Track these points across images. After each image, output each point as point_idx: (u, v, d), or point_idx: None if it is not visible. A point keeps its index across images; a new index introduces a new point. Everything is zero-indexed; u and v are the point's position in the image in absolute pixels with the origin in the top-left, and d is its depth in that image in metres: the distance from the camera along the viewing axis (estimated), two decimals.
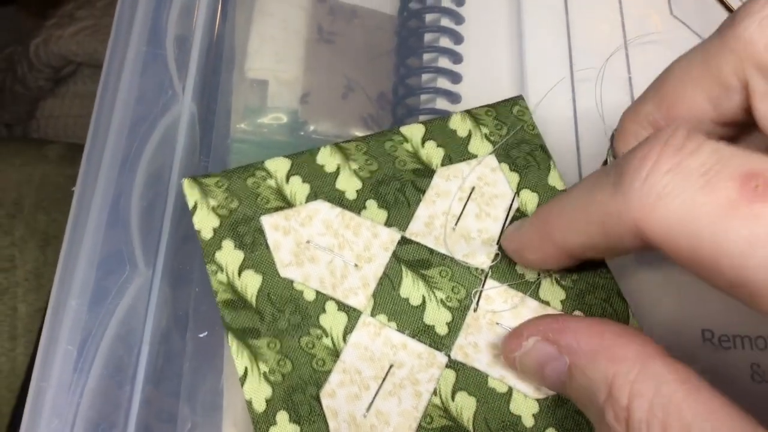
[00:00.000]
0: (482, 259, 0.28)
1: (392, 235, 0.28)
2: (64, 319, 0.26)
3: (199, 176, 0.28)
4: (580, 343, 0.23)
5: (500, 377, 0.27)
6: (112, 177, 0.28)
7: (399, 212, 0.29)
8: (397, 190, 0.29)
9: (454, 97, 0.33)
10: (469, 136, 0.30)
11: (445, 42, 0.34)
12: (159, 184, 0.29)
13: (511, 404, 0.26)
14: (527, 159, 0.30)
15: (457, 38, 0.35)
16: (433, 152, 0.30)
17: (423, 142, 0.30)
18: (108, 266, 0.27)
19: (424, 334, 0.27)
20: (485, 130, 0.30)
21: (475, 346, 0.27)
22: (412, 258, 0.28)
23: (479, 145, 0.30)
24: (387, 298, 0.27)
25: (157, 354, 0.28)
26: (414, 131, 0.30)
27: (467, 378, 0.27)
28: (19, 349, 0.49)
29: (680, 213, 0.20)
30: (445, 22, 0.35)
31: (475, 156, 0.30)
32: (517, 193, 0.29)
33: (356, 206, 0.29)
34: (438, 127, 0.30)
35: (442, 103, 0.33)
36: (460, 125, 0.30)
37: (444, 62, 0.34)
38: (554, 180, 0.30)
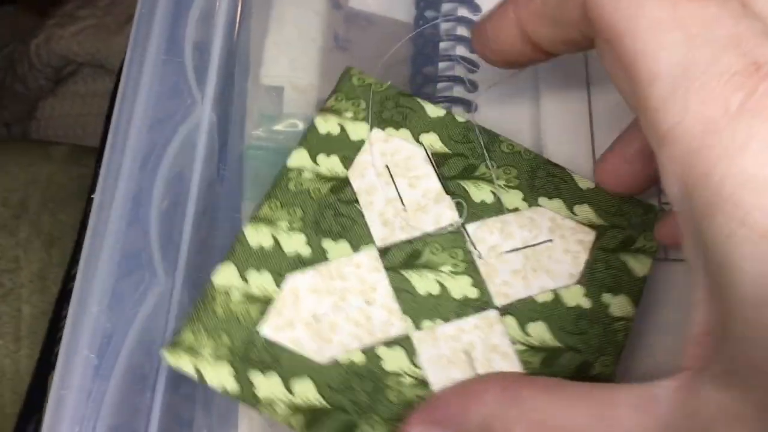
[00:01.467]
0: (450, 214, 0.29)
1: (369, 255, 0.28)
2: (84, 326, 0.26)
3: (169, 346, 0.26)
4: (451, 407, 0.24)
5: (542, 288, 0.28)
6: (132, 184, 0.28)
7: (354, 232, 0.29)
8: (333, 216, 0.29)
9: (469, 106, 0.33)
10: (343, 129, 0.30)
11: (461, 50, 0.35)
12: (179, 191, 0.29)
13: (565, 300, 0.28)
14: (401, 111, 0.30)
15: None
16: (331, 163, 0.30)
17: (315, 159, 0.30)
18: (128, 273, 0.27)
19: (466, 307, 0.28)
20: (348, 114, 0.30)
21: (506, 284, 0.28)
22: (401, 259, 0.28)
23: (356, 129, 0.30)
24: (414, 306, 0.28)
25: None
26: (297, 158, 0.30)
27: (523, 311, 0.28)
28: (23, 351, 0.49)
29: None
30: (461, 30, 0.35)
31: (362, 141, 0.30)
32: (419, 142, 0.30)
33: (319, 256, 0.28)
34: (313, 139, 0.30)
35: (457, 111, 0.33)
36: (326, 125, 0.30)
37: (460, 71, 0.34)
38: (435, 111, 0.31)
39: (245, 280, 0.27)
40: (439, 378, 0.27)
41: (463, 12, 0.35)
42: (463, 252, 0.29)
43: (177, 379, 0.28)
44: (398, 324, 0.27)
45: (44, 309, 0.50)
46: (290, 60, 0.35)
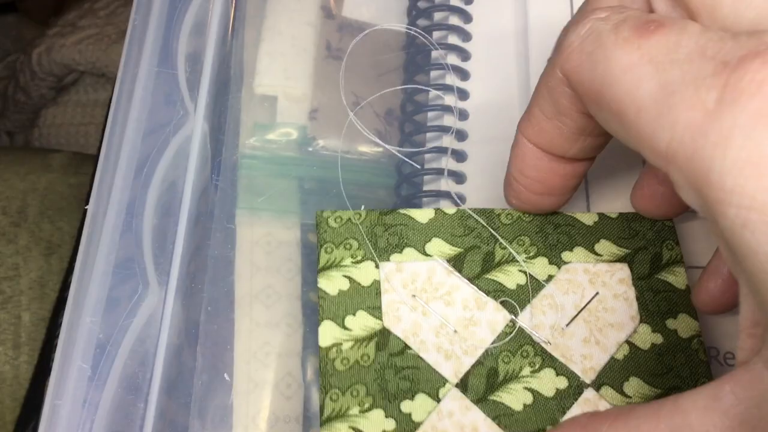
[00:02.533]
0: (501, 316, 0.29)
1: (454, 397, 0.27)
2: (78, 337, 0.26)
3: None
4: None
5: (617, 343, 0.28)
6: (125, 195, 0.28)
7: (425, 380, 0.27)
8: (395, 374, 0.27)
9: (461, 114, 0.34)
10: (352, 280, 0.29)
11: (452, 59, 0.35)
12: (171, 201, 0.30)
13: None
14: (394, 231, 0.30)
15: (465, 55, 0.35)
16: (362, 321, 0.28)
17: (344, 326, 0.28)
18: (121, 283, 0.28)
19: (564, 400, 0.28)
20: (347, 261, 0.29)
21: (585, 357, 0.28)
22: (483, 385, 0.28)
23: (364, 272, 0.29)
24: (517, 423, 0.27)
25: (170, 370, 0.28)
26: (327, 334, 0.28)
27: (613, 376, 0.28)
28: (22, 358, 0.49)
29: (590, 48, 0.22)
30: (453, 39, 0.35)
31: (376, 282, 0.29)
32: (428, 255, 0.29)
33: (407, 425, 0.27)
34: (330, 307, 0.28)
35: (449, 120, 0.34)
36: (334, 284, 0.29)
37: (451, 79, 0.34)
38: (425, 215, 0.30)
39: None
40: None
41: (454, 20, 0.36)
42: (531, 347, 0.28)
43: (171, 387, 0.28)
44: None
45: (43, 316, 0.50)
46: (283, 69, 0.35)
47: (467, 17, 0.36)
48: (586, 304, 0.29)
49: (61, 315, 0.46)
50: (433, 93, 0.34)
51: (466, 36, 0.35)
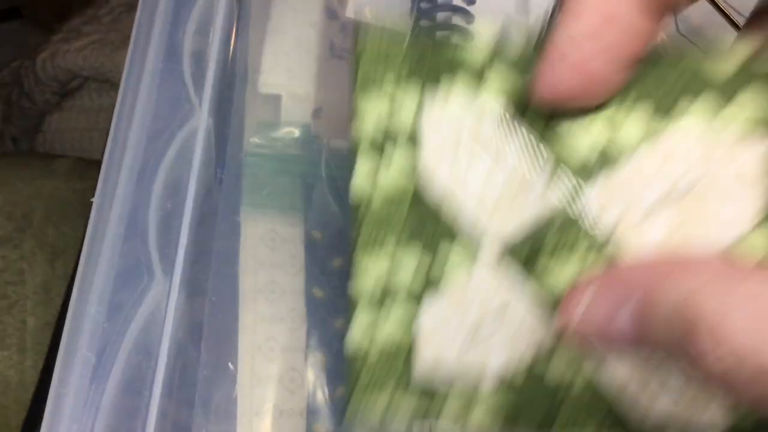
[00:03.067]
0: (562, 187, 0.22)
1: (491, 253, 0.22)
2: (83, 326, 0.27)
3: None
4: (642, 273, 0.19)
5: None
6: (131, 188, 0.29)
7: (463, 235, 0.23)
8: (433, 223, 0.23)
9: None
10: (392, 110, 0.23)
11: None
12: (176, 195, 0.30)
13: None
14: (443, 63, 0.23)
15: None
16: (399, 162, 0.23)
17: (381, 154, 0.23)
18: (126, 275, 0.28)
19: None
20: (389, 86, 0.23)
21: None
22: (525, 251, 0.22)
23: (405, 102, 0.23)
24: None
25: (174, 362, 0.28)
26: (363, 170, 0.23)
27: None
28: (28, 362, 0.50)
29: None
30: (455, 39, 0.36)
31: (414, 116, 0.23)
32: (483, 97, 0.22)
33: (440, 269, 0.23)
34: (365, 144, 0.23)
35: None
36: (375, 106, 0.23)
37: None
38: (479, 49, 0.23)
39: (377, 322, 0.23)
40: None
41: (457, 21, 0.36)
42: (587, 239, 0.22)
43: (175, 381, 0.29)
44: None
45: (48, 320, 0.50)
46: (287, 69, 0.35)
47: (470, 18, 0.36)
48: (688, 189, 0.21)
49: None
50: None
51: (469, 36, 0.36)
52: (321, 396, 0.30)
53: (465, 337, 0.22)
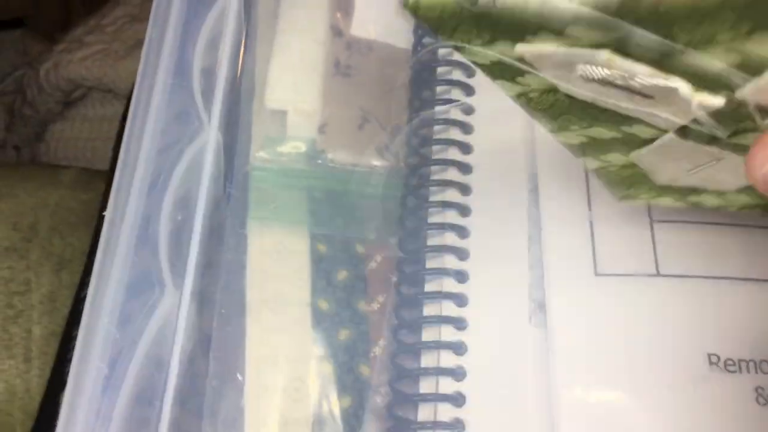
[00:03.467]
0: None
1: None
2: (95, 337, 0.27)
3: None
4: None
5: None
6: (142, 201, 0.29)
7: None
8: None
9: (466, 128, 0.35)
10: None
11: (457, 75, 0.36)
12: (186, 208, 0.31)
13: None
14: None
15: (469, 71, 0.36)
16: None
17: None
18: (138, 287, 0.28)
19: None
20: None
21: None
22: None
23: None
24: None
25: (184, 373, 0.29)
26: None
27: None
28: (33, 372, 0.50)
29: None
30: (458, 55, 0.36)
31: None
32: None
33: None
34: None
35: (455, 133, 0.35)
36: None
37: (456, 94, 0.35)
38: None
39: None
40: None
41: None
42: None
43: (185, 392, 0.29)
44: None
45: (54, 330, 0.51)
46: (293, 85, 0.36)
47: None
48: None
49: (74, 329, 0.47)
50: (438, 107, 0.35)
51: None
52: (326, 406, 0.31)
53: None
